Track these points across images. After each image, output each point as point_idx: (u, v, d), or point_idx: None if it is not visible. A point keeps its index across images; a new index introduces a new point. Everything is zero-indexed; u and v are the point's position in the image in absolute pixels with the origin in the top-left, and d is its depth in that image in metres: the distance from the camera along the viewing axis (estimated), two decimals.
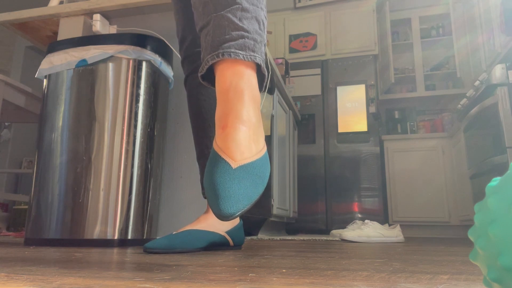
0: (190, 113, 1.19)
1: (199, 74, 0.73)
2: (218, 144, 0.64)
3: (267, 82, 0.77)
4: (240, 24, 0.70)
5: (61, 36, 1.80)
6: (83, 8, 1.79)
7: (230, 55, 0.67)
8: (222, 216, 0.57)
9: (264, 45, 0.74)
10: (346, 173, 3.65)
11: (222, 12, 0.71)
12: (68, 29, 1.80)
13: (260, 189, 0.62)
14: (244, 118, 0.65)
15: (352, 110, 3.75)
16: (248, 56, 0.68)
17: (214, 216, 1.08)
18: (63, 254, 0.88)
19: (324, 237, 2.36)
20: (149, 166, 1.44)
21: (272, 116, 2.43)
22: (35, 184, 1.38)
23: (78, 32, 1.78)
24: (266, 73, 0.73)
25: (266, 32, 0.77)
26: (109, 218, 1.29)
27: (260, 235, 2.32)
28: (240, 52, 0.68)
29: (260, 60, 0.70)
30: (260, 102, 0.70)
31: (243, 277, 0.49)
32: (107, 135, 1.35)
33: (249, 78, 0.68)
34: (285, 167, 2.84)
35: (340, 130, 3.73)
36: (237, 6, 0.71)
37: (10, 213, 3.20)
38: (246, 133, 0.64)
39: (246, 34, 0.70)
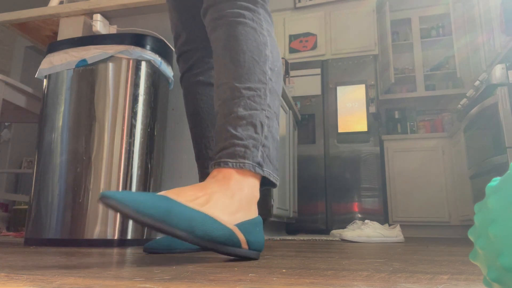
0: (188, 112, 1.18)
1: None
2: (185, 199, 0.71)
3: (272, 177, 0.83)
4: (234, 133, 0.80)
5: (61, 36, 1.80)
6: (83, 8, 1.79)
7: (220, 164, 0.78)
8: None
9: (264, 145, 0.81)
10: (346, 173, 3.65)
11: (223, 121, 0.82)
12: (68, 29, 1.80)
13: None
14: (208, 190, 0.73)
15: (352, 110, 3.75)
16: (237, 164, 0.77)
17: None
18: (63, 254, 0.88)
19: (324, 237, 2.36)
20: (149, 166, 1.44)
21: None
22: (35, 184, 1.38)
23: (78, 32, 1.78)
24: (262, 172, 0.80)
25: (276, 126, 0.85)
26: (109, 218, 1.29)
27: None
28: (229, 160, 0.77)
29: (249, 166, 0.78)
30: (241, 203, 0.75)
31: (243, 277, 0.49)
32: (107, 135, 1.35)
33: (238, 181, 0.77)
34: (285, 167, 2.84)
35: (340, 130, 3.73)
36: (234, 115, 0.81)
37: (10, 213, 3.20)
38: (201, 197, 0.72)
39: (238, 142, 0.79)
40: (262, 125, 0.81)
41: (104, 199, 0.62)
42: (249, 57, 0.85)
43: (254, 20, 0.90)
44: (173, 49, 1.65)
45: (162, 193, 0.69)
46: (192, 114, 1.16)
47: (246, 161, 0.78)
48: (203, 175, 1.13)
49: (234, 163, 0.77)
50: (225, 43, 0.87)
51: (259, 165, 0.79)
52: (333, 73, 3.89)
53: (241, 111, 0.81)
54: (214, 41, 0.90)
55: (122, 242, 1.30)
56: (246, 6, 0.90)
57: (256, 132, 0.81)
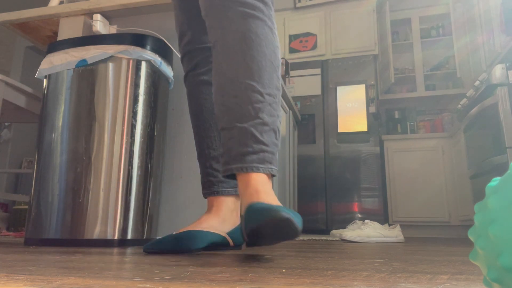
0: (191, 111, 1.19)
1: (222, 175, 0.89)
2: (260, 199, 0.79)
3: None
4: (261, 139, 0.84)
5: (61, 36, 1.80)
6: (83, 8, 1.79)
7: (252, 169, 0.83)
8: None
9: (278, 150, 0.88)
10: (346, 173, 3.65)
11: (245, 125, 0.84)
12: (68, 29, 1.80)
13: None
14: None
15: (352, 110, 3.75)
16: (267, 169, 0.84)
17: (215, 216, 1.09)
18: (63, 254, 0.88)
19: (324, 237, 2.36)
20: (149, 166, 1.44)
21: None
22: (35, 184, 1.38)
23: (78, 32, 1.78)
24: (276, 175, 0.88)
25: (279, 134, 0.90)
26: (109, 218, 1.29)
27: None
28: (260, 166, 0.83)
29: (275, 171, 0.86)
30: (271, 193, 0.83)
31: (243, 277, 0.49)
32: (107, 135, 1.35)
33: (266, 183, 0.83)
34: (285, 167, 2.84)
35: (340, 130, 3.73)
36: (260, 121, 0.84)
37: (10, 213, 3.20)
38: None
39: (265, 148, 0.85)
40: (279, 131, 0.87)
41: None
42: (268, 61, 0.86)
43: (270, 18, 0.89)
44: (173, 49, 1.65)
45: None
46: (195, 114, 1.17)
47: (273, 166, 0.86)
48: (205, 174, 1.13)
49: (264, 169, 0.84)
50: (243, 37, 0.85)
51: (276, 168, 0.87)
52: (333, 73, 3.89)
53: (265, 117, 0.85)
54: (225, 28, 0.87)
55: (122, 242, 1.30)
56: None
57: (276, 138, 0.87)
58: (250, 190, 0.81)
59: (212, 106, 1.15)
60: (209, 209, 1.11)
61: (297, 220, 0.72)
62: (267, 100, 0.86)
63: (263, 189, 0.81)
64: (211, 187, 1.12)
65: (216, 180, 1.11)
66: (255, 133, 0.84)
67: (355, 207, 3.56)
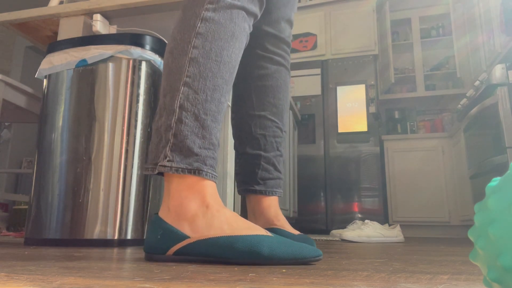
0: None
1: (239, 193, 1.07)
2: (278, 225, 0.99)
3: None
4: (279, 168, 1.04)
5: (61, 36, 1.80)
6: (83, 8, 1.79)
7: (272, 193, 1.03)
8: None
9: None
10: (346, 173, 3.65)
11: (269, 155, 1.03)
12: (68, 29, 1.80)
13: None
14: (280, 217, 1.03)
15: (352, 110, 3.75)
16: (280, 193, 1.05)
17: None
18: (63, 254, 0.88)
19: (324, 237, 2.36)
20: None
21: None
22: (35, 184, 1.38)
23: (78, 32, 1.78)
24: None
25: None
26: (109, 218, 1.29)
27: None
28: (277, 190, 1.04)
29: (282, 193, 1.06)
30: (284, 217, 1.04)
31: (243, 277, 0.49)
32: (107, 135, 1.35)
33: (278, 205, 1.05)
34: (285, 167, 2.84)
35: (340, 130, 3.73)
36: (279, 153, 1.04)
37: (10, 213, 3.20)
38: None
39: (280, 175, 1.05)
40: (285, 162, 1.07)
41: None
42: (287, 104, 1.06)
43: (289, 64, 1.08)
44: None
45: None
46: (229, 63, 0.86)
47: (282, 190, 1.06)
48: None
49: (279, 192, 1.04)
50: (276, 84, 1.04)
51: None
52: (333, 73, 3.89)
53: (282, 151, 1.06)
54: (284, 76, 1.05)
55: (122, 242, 1.30)
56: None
57: (284, 167, 1.06)
58: (271, 212, 1.00)
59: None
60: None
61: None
62: (284, 136, 1.05)
63: (282, 215, 1.01)
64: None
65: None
66: (275, 162, 1.02)
67: (355, 207, 3.56)
